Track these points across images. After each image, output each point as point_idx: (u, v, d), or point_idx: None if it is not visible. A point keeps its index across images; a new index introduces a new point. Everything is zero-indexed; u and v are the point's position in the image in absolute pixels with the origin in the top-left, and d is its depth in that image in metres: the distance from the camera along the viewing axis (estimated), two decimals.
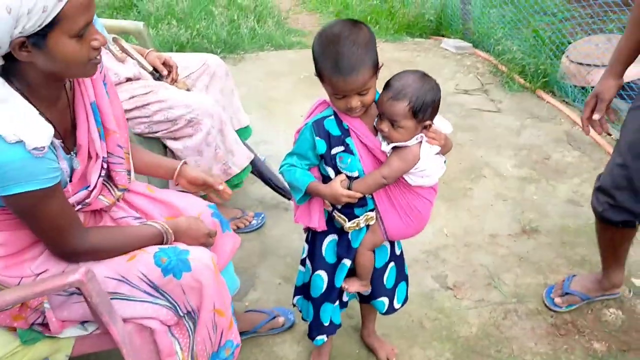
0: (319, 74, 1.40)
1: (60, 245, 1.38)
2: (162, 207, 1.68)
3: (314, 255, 1.71)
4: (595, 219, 1.97)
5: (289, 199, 2.61)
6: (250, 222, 2.58)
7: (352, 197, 1.49)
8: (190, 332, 1.54)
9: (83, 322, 1.50)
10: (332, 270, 1.69)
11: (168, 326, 1.52)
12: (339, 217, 1.59)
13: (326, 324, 1.76)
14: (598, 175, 1.91)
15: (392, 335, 2.09)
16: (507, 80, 3.94)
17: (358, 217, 1.57)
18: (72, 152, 1.42)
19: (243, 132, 2.67)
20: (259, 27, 4.88)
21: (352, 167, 1.49)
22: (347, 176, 1.50)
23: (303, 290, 1.80)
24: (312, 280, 1.72)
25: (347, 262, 1.65)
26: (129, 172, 1.59)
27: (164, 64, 2.34)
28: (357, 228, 1.59)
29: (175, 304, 1.49)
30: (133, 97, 2.15)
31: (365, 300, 1.84)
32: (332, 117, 1.49)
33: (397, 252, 1.77)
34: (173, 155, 2.28)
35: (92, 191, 1.44)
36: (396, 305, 1.82)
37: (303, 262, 1.79)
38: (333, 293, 1.72)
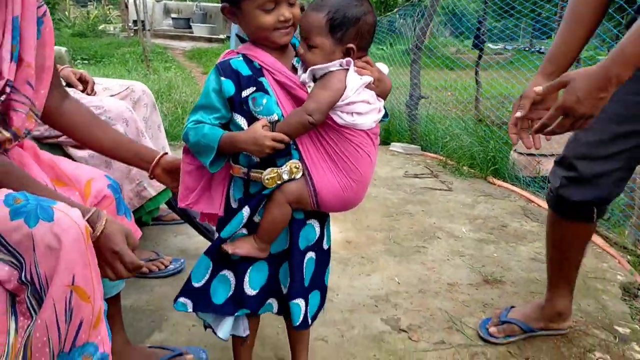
0: None
1: None
2: (48, 171, 1.36)
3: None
4: (548, 214, 1.71)
5: None
6: (166, 266, 2.16)
7: (279, 141, 1.20)
8: (32, 313, 1.09)
9: None
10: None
11: (10, 294, 1.08)
12: (256, 173, 1.27)
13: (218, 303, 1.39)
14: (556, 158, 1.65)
15: None
16: (457, 168, 3.83)
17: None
18: None
19: None
20: None
21: (270, 109, 1.22)
22: (268, 121, 1.23)
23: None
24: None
25: (245, 212, 1.28)
26: (36, 115, 1.32)
27: (80, 79, 2.12)
28: (279, 182, 1.26)
29: (22, 262, 1.07)
30: None
31: (283, 306, 1.39)
32: (241, 58, 1.26)
33: (325, 245, 1.41)
34: None
35: None
36: (308, 314, 1.39)
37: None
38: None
